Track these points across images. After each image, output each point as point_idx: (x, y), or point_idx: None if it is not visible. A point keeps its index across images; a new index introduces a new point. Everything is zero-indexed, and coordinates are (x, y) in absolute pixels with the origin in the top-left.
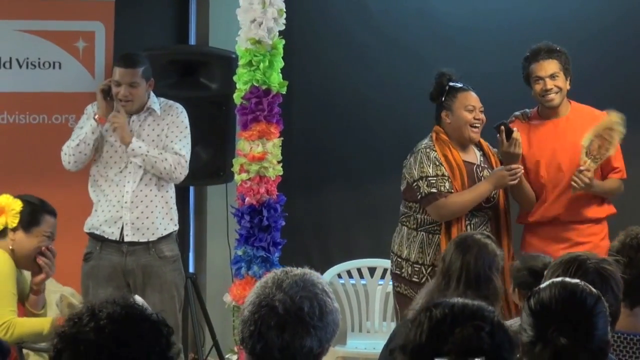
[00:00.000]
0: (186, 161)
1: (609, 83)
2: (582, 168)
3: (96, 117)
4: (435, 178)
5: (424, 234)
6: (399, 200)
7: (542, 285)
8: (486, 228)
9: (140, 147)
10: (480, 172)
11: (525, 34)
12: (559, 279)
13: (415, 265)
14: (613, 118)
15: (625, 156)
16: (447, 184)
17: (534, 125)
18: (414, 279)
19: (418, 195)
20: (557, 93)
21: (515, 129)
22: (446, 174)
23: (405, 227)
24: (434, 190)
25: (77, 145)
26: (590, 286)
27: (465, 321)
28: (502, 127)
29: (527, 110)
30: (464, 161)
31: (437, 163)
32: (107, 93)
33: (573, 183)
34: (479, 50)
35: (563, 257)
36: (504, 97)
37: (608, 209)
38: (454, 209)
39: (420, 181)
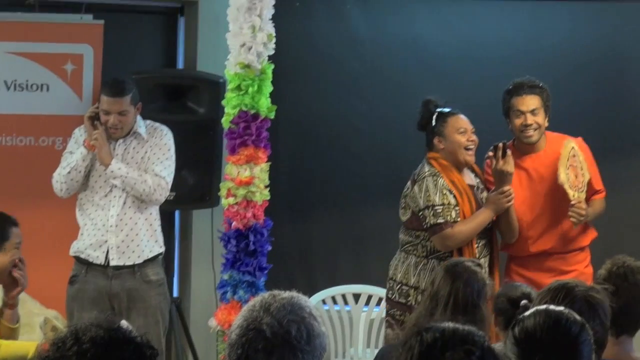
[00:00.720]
0: (167, 183)
1: (594, 114)
2: (573, 202)
3: (85, 144)
4: (441, 207)
5: (436, 261)
6: (385, 227)
7: (527, 313)
8: (489, 250)
9: (119, 168)
10: (480, 194)
11: (515, 64)
12: (544, 306)
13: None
14: (569, 144)
15: (607, 185)
16: (453, 213)
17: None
18: None
19: (424, 225)
20: (536, 130)
21: (508, 150)
22: (452, 202)
23: (413, 256)
24: (440, 220)
25: (69, 173)
26: (574, 314)
27: (455, 345)
28: (501, 145)
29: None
30: (468, 184)
31: (445, 191)
32: (94, 119)
33: (572, 219)
34: (468, 80)
35: (551, 285)
36: (492, 128)
37: (591, 235)
38: (460, 238)
39: (426, 210)
